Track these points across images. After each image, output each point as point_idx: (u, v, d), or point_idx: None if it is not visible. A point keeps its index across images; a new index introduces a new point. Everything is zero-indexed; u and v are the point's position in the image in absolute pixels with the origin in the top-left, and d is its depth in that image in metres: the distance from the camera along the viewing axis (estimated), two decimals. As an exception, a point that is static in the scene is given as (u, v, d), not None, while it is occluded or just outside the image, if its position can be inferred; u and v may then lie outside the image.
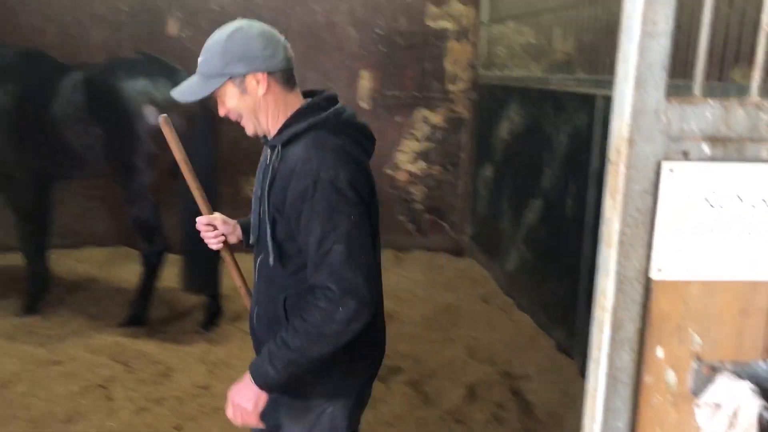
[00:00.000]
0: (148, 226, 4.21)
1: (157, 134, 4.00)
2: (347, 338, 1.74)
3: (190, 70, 5.24)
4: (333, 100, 1.93)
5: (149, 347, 4.03)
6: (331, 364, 1.84)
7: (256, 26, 1.86)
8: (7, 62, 4.48)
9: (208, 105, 4.20)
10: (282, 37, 1.91)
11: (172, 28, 5.75)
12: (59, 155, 4.28)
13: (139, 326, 4.32)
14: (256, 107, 1.87)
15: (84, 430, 3.18)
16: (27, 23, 5.65)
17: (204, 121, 4.12)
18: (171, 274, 4.59)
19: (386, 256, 5.91)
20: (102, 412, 3.35)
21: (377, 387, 3.63)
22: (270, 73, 1.84)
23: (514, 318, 4.79)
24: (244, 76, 1.82)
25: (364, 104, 6.00)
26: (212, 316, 4.43)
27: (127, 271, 5.40)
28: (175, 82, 4.05)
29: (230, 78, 1.82)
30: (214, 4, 5.76)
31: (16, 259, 4.85)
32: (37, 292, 4.66)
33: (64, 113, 4.15)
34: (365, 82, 5.97)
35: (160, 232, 4.24)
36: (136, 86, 4.02)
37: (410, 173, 6.17)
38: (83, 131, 4.13)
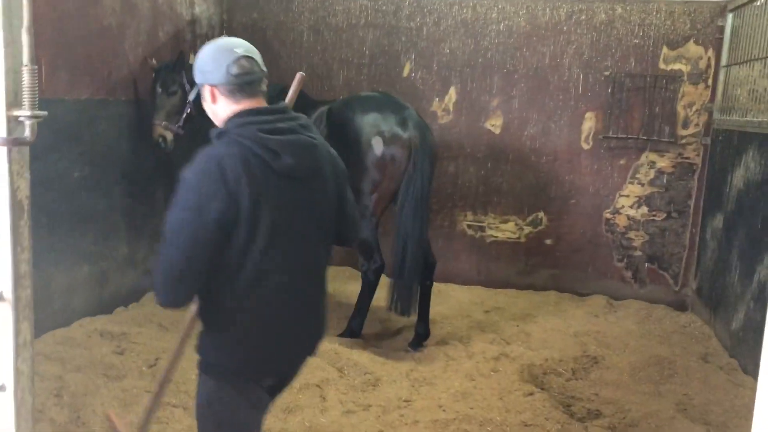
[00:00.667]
0: (369, 245, 4.61)
1: (382, 163, 4.43)
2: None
3: (419, 107, 5.63)
4: (262, 112, 2.03)
5: (362, 358, 4.37)
6: (202, 343, 2.13)
7: (217, 44, 2.09)
8: (272, 96, 5.20)
9: (429, 139, 4.54)
10: (238, 55, 2.02)
11: (407, 69, 6.24)
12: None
13: (355, 338, 4.71)
14: (211, 112, 2.12)
15: (299, 421, 3.56)
16: (286, 66, 6.49)
17: (423, 155, 4.44)
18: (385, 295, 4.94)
19: (598, 302, 5.79)
20: (316, 408, 3.72)
21: (574, 426, 3.60)
22: (213, 85, 2.04)
23: (737, 381, 4.39)
24: (202, 85, 2.09)
25: (587, 145, 5.96)
26: (420, 337, 4.68)
27: (349, 288, 5.90)
28: (403, 118, 4.47)
29: (201, 86, 2.10)
30: (446, 48, 6.14)
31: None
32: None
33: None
34: (589, 123, 5.95)
35: (378, 251, 4.62)
36: (367, 119, 4.49)
37: (631, 218, 5.97)
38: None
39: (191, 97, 4.98)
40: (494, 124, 6.13)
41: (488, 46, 6.08)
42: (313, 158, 2.07)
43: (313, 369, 4.15)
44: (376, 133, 4.47)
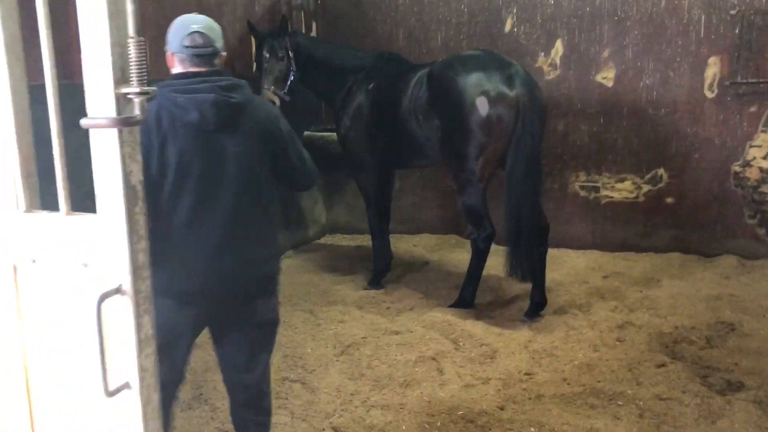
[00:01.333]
0: (477, 212, 4.41)
1: (487, 124, 4.20)
2: None
3: (523, 64, 5.36)
4: (187, 75, 2.36)
5: (476, 329, 4.22)
6: None
7: (181, 18, 2.42)
8: (366, 64, 5.08)
9: (538, 98, 4.25)
10: (192, 30, 2.36)
11: (509, 25, 5.91)
12: (403, 146, 4.74)
13: (467, 308, 4.55)
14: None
15: (418, 396, 3.46)
16: (381, 30, 6.33)
17: (532, 113, 4.16)
18: (498, 263, 4.74)
19: (729, 262, 5.35)
20: (434, 383, 3.61)
21: (715, 400, 3.30)
22: (172, 53, 2.40)
23: None
24: (167, 50, 2.42)
25: (711, 94, 5.46)
26: (537, 306, 4.46)
27: (456, 257, 5.75)
28: (509, 75, 4.19)
29: (166, 51, 2.42)
30: (550, 0, 5.77)
31: (366, 240, 5.48)
32: (382, 270, 5.22)
33: (410, 107, 4.57)
34: (713, 69, 5.43)
35: (487, 217, 4.41)
36: (470, 79, 4.24)
37: (764, 171, 5.44)
38: (425, 123, 4.49)
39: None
40: (606, 77, 5.72)
41: (597, -8, 5.65)
42: (223, 115, 2.34)
43: (426, 341, 4.05)
44: (480, 93, 4.22)
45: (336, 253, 6.18)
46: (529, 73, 4.47)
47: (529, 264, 4.25)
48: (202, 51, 2.37)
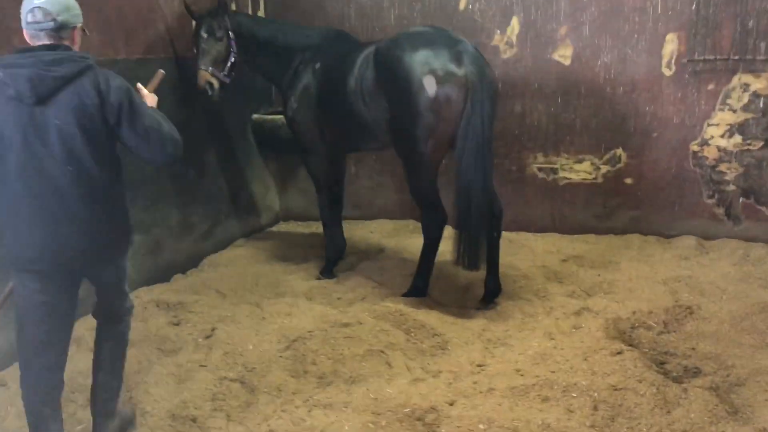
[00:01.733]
0: (428, 197, 4.22)
1: (436, 105, 4.00)
2: None
3: (479, 42, 5.16)
4: (20, 51, 2.53)
5: (429, 319, 4.04)
6: None
7: None
8: (313, 43, 4.84)
9: (488, 77, 4.05)
10: (32, 5, 2.48)
11: (463, 2, 5.71)
12: (352, 128, 4.52)
13: (421, 297, 4.38)
14: None
15: (364, 393, 3.27)
16: (331, 8, 6.07)
17: (482, 93, 3.96)
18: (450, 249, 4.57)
19: (687, 243, 5.26)
20: (382, 378, 3.43)
21: (671, 388, 3.19)
22: (23, 29, 2.55)
23: None
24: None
25: (669, 71, 5.33)
26: (491, 293, 4.31)
27: (413, 243, 5.54)
28: (458, 53, 3.99)
29: None
30: (505, -26, 5.58)
31: (321, 228, 5.26)
32: (334, 259, 5.02)
33: (357, 87, 4.34)
34: (671, 46, 5.30)
35: (438, 203, 4.23)
36: (417, 57, 4.01)
37: (722, 149, 5.34)
38: (372, 103, 4.27)
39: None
40: (563, 55, 5.56)
41: (559, -31, 5.47)
42: (41, 89, 2.42)
43: (377, 333, 3.86)
44: (428, 72, 3.99)
45: (289, 241, 5.95)
46: (480, 51, 4.25)
47: (479, 251, 4.07)
48: (43, 26, 2.49)
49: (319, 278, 4.92)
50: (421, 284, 4.42)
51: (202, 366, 3.54)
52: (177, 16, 4.95)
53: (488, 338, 3.87)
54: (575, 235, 5.73)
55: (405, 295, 4.42)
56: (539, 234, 5.81)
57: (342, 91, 4.43)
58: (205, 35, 4.73)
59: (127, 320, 2.98)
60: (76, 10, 2.62)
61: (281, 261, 5.38)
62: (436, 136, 4.06)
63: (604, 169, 5.65)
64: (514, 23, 5.62)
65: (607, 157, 5.62)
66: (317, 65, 4.72)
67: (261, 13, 6.15)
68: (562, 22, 5.51)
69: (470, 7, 5.70)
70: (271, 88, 6.21)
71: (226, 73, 4.76)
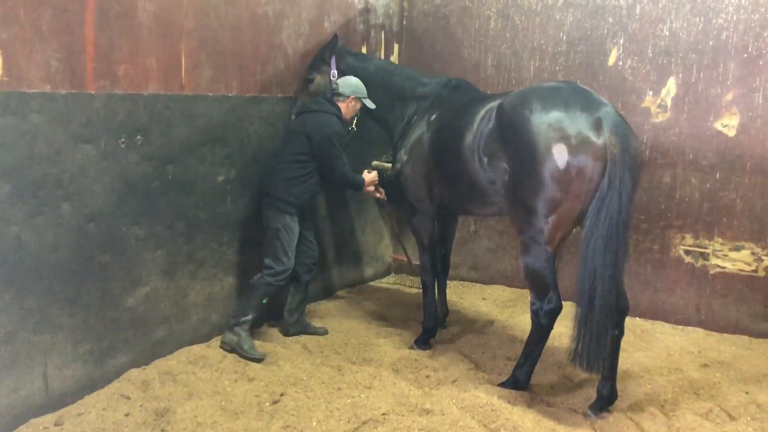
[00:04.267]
0: (541, 279, 3.63)
1: (565, 178, 3.43)
2: None
3: (627, 103, 4.55)
4: None
5: (524, 420, 3.44)
6: None
7: None
8: (431, 91, 4.48)
9: (631, 147, 3.42)
10: None
11: (613, 57, 5.10)
12: (464, 189, 4.04)
13: (520, 390, 3.79)
14: None
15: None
16: (468, 56, 5.70)
17: (623, 168, 3.34)
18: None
19: None
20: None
21: None
22: None
23: None
24: None
25: None
26: (604, 400, 3.62)
27: (528, 320, 4.84)
28: (597, 118, 3.39)
29: None
30: (665, 29, 4.91)
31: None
32: (430, 329, 4.54)
33: (474, 144, 3.87)
34: None
35: (553, 288, 3.63)
36: (548, 119, 3.47)
37: None
38: (490, 164, 3.78)
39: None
40: (727, 124, 4.78)
41: (723, 24, 4.73)
42: None
43: (458, 429, 3.32)
44: (560, 138, 3.44)
45: (393, 298, 5.55)
46: (623, 117, 3.61)
47: (600, 351, 3.42)
48: None
49: (412, 347, 4.46)
50: (522, 376, 3.82)
51: (256, 439, 3.20)
52: (300, 56, 4.79)
53: (591, 457, 3.21)
54: (724, 335, 4.86)
55: (502, 384, 3.84)
56: (679, 327, 5.00)
57: (457, 147, 3.98)
58: (310, 75, 4.68)
59: None
60: None
61: (378, 320, 4.98)
62: (559, 213, 3.48)
63: (767, 261, 4.75)
64: (671, 84, 4.92)
65: (772, 247, 4.73)
66: (433, 116, 4.33)
67: (394, 57, 5.91)
68: (730, 86, 4.74)
69: (621, 63, 5.08)
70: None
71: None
